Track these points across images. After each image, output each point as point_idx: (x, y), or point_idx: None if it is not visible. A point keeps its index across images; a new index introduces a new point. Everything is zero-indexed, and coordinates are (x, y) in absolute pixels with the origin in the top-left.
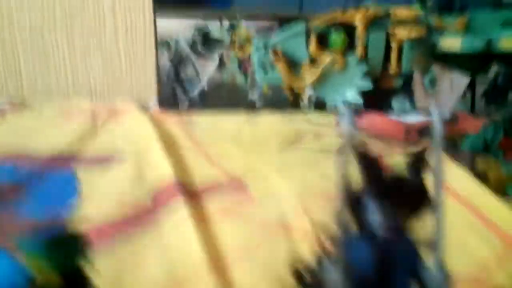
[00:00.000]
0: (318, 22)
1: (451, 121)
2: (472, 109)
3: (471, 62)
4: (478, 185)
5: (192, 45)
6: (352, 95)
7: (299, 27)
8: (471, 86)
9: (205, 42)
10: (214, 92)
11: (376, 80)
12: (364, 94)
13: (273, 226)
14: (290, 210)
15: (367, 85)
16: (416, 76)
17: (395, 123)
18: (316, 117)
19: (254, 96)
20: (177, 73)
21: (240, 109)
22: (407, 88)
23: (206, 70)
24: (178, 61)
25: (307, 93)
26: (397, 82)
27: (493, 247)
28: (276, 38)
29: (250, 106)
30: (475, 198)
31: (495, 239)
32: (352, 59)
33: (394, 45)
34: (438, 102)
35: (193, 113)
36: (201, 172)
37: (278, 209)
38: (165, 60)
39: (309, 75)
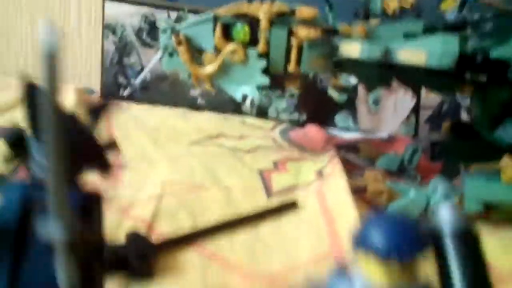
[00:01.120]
0: (224, 11)
1: (386, 141)
2: (416, 133)
3: (371, 72)
4: (348, 198)
5: (138, 33)
6: (251, 90)
7: (207, 15)
8: (416, 110)
9: (151, 31)
10: (156, 84)
11: (276, 78)
12: (309, 108)
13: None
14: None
15: (264, 80)
16: (360, 93)
17: (323, 136)
18: (253, 120)
19: (196, 93)
20: (120, 60)
21: (180, 104)
22: (350, 105)
23: (150, 60)
24: (123, 47)
25: (249, 99)
26: (341, 98)
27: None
28: (184, 23)
29: (191, 103)
30: (337, 209)
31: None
32: (253, 53)
33: (294, 44)
34: (380, 121)
35: (129, 102)
36: None
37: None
38: (110, 45)
39: (210, 64)
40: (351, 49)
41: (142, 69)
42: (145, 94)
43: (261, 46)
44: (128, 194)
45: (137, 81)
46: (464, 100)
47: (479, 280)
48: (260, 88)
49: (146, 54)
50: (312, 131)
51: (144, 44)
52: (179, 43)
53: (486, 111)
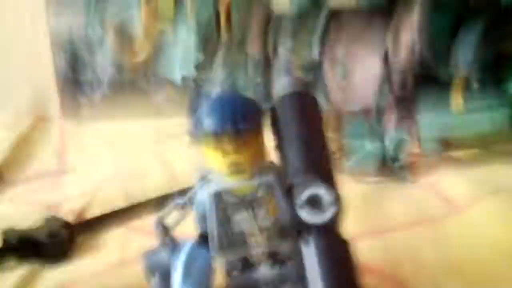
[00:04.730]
0: None
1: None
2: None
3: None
4: None
5: (89, 46)
6: (187, 69)
7: None
8: (388, 78)
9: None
10: (116, 94)
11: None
12: None
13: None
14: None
15: (199, 57)
16: (327, 68)
17: None
18: None
19: (159, 99)
20: (75, 76)
21: (143, 113)
22: (318, 82)
23: (106, 71)
24: (75, 63)
25: None
26: (308, 76)
27: None
28: (112, 11)
29: (155, 110)
30: None
31: None
32: (183, 28)
33: (221, 9)
34: (351, 94)
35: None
36: None
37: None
38: (61, 62)
39: (142, 48)
40: (281, 2)
41: (99, 82)
42: (106, 108)
43: (188, 14)
44: (63, 193)
45: (97, 95)
46: None
47: (306, 143)
48: (197, 66)
49: (101, 67)
50: None
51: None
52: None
53: (431, 45)
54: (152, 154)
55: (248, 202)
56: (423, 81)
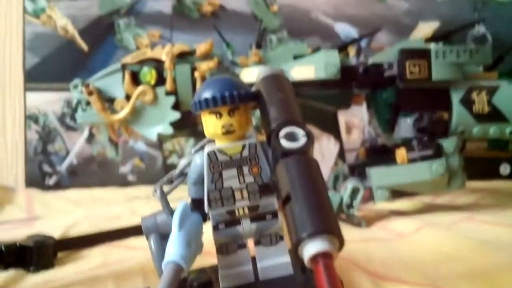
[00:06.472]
0: (130, 59)
1: None
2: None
3: None
4: None
5: (61, 118)
6: (164, 127)
7: (115, 65)
8: (342, 154)
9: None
10: (84, 167)
11: (187, 117)
12: None
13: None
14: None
15: (176, 115)
16: None
17: None
18: None
19: (126, 169)
20: (44, 148)
21: (111, 184)
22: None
23: (75, 143)
24: (46, 135)
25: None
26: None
27: None
28: (95, 76)
29: (122, 181)
30: None
31: None
32: (162, 92)
33: (198, 77)
34: None
35: (56, 190)
36: None
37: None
38: (33, 134)
39: (122, 109)
40: (250, 74)
41: (67, 154)
42: (73, 179)
43: (168, 84)
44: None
45: (63, 166)
46: None
47: (283, 102)
48: (173, 123)
49: (71, 138)
50: None
51: (68, 128)
52: (90, 93)
53: (380, 117)
54: (120, 207)
55: (236, 161)
56: (373, 150)
